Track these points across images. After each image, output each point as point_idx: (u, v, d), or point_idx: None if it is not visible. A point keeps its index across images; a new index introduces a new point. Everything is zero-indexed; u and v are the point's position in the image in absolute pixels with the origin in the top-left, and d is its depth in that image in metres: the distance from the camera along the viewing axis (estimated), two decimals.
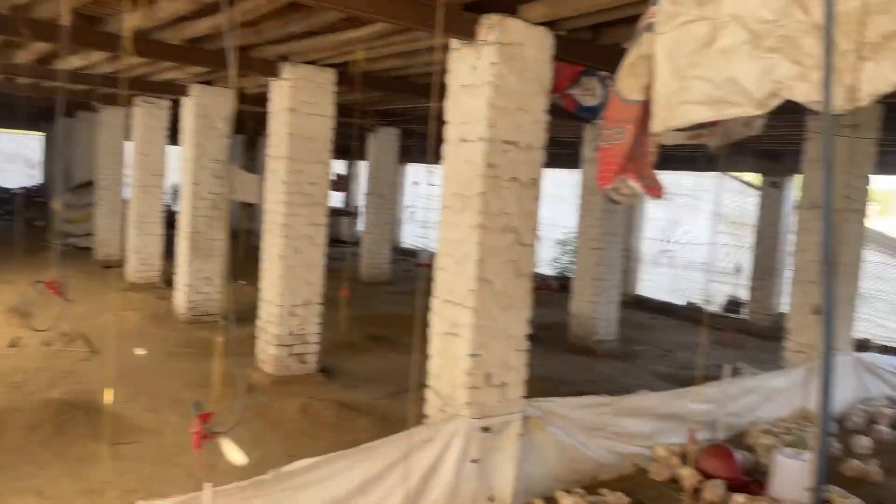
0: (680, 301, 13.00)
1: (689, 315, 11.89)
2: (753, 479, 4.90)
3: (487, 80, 4.10)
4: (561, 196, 15.56)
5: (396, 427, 4.15)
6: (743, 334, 11.10)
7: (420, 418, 4.50)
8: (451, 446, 4.04)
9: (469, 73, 4.25)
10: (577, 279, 9.52)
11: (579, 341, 9.23)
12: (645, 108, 3.57)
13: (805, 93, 2.83)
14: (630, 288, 13.90)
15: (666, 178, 12.59)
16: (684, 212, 14.10)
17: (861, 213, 6.96)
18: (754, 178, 13.30)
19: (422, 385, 4.60)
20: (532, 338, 8.70)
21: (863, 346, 9.50)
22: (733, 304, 12.59)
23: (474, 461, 4.12)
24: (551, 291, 13.81)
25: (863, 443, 5.89)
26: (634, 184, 3.55)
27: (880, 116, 6.73)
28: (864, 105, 2.70)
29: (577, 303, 9.43)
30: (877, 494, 5.03)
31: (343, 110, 7.60)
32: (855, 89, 2.63)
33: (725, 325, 9.77)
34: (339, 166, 20.44)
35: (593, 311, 9.18)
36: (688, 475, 4.61)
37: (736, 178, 13.85)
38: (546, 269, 15.96)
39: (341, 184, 19.20)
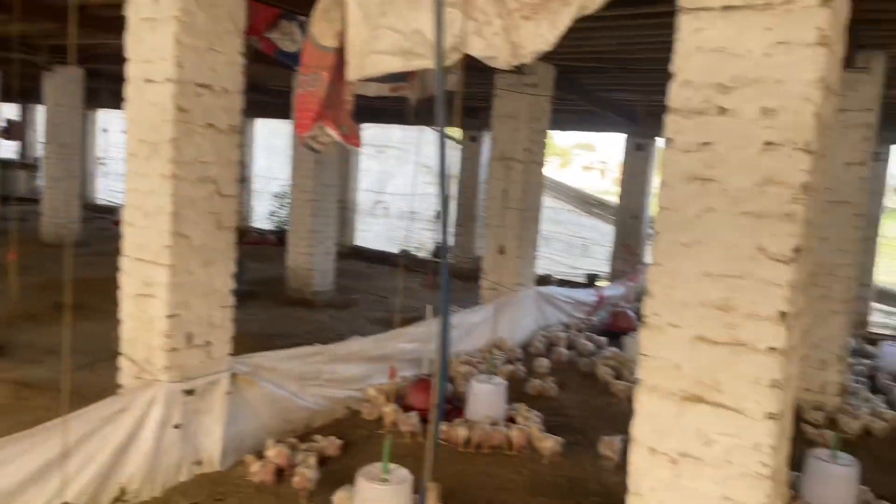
0: (394, 249, 13.60)
1: (405, 262, 12.51)
2: (454, 407, 5.36)
3: (172, 14, 3.74)
4: (275, 147, 15.16)
5: (86, 402, 3.73)
6: (449, 277, 12.00)
7: (115, 389, 4.11)
8: (150, 414, 3.75)
9: (150, 6, 3.83)
10: (292, 231, 9.41)
11: (296, 294, 9.20)
12: (340, 55, 3.56)
13: (481, 48, 3.05)
14: (348, 239, 14.18)
15: (375, 130, 12.84)
16: (395, 164, 14.70)
17: (540, 164, 7.85)
18: (455, 131, 14.30)
19: (116, 353, 4.19)
20: (247, 293, 8.38)
21: (544, 280, 10.90)
22: (441, 250, 13.54)
23: (177, 426, 3.89)
24: (270, 245, 13.53)
25: (543, 364, 6.77)
26: (332, 132, 3.55)
27: (554, 77, 7.60)
28: (527, 61, 2.98)
29: (293, 255, 9.35)
30: (553, 406, 5.85)
31: (5, 43, 6.43)
32: (519, 46, 2.89)
33: (430, 269, 10.45)
34: (9, 111, 17.45)
35: (310, 263, 9.18)
36: (389, 411, 4.87)
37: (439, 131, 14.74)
38: (264, 224, 15.56)
39: (14, 131, 16.43)
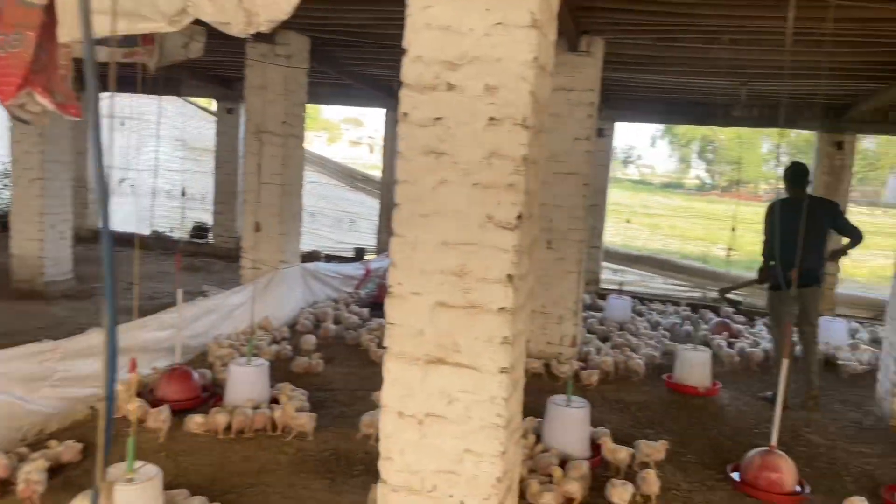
0: (146, 231, 12.57)
1: (157, 244, 11.63)
2: (213, 394, 5.12)
3: None
4: None
5: None
6: (210, 258, 11.43)
7: None
8: None
9: None
10: (16, 215, 8.24)
11: (25, 285, 8.10)
12: (50, 13, 3.15)
13: (211, 13, 2.87)
14: (89, 221, 12.81)
15: (119, 101, 11.56)
16: (140, 137, 13.47)
17: (299, 137, 7.70)
18: (210, 103, 13.51)
19: None
20: None
21: (311, 256, 10.81)
22: (200, 230, 12.78)
23: None
24: None
25: (309, 341, 6.72)
26: (43, 100, 3.13)
27: (308, 49, 7.45)
28: (264, 30, 2.87)
29: (18, 242, 8.20)
30: (320, 382, 5.85)
31: None
32: (253, 14, 2.77)
33: (180, 251, 9.83)
34: None
35: (40, 250, 8.13)
36: (134, 407, 4.49)
37: (192, 102, 13.82)
38: None
39: None
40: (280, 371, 5.88)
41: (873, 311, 9.96)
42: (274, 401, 5.01)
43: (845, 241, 5.99)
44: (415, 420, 2.64)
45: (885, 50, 5.98)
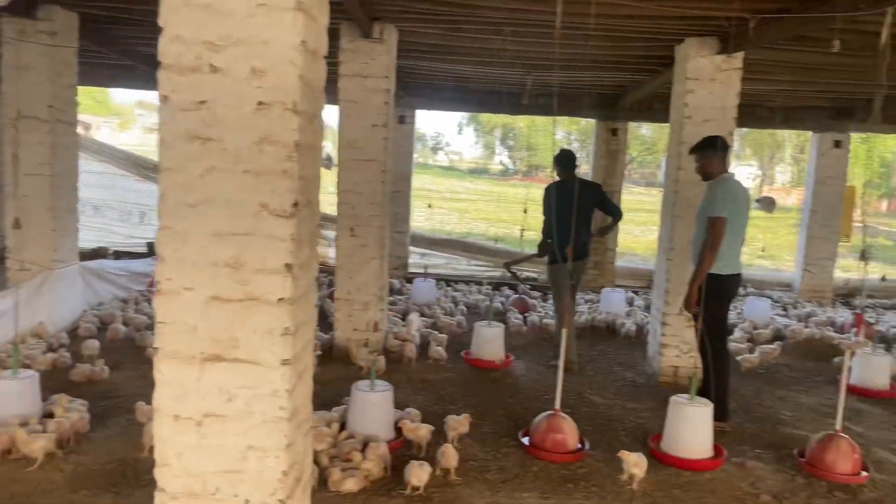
0: None
1: None
2: None
3: None
4: None
5: None
6: None
7: None
8: None
9: None
10: None
11: None
12: None
13: None
14: None
15: None
16: None
17: (71, 123, 6.97)
18: None
19: None
20: None
21: (98, 254, 9.91)
22: None
23: None
24: None
25: (92, 346, 6.14)
26: None
27: (77, 26, 6.75)
28: (1, 2, 2.54)
29: None
30: (105, 389, 5.39)
31: None
32: None
33: None
34: None
35: None
36: None
37: None
38: None
39: None
40: (59, 381, 5.36)
41: (648, 281, 11.14)
42: (49, 415, 4.54)
43: (609, 219, 6.77)
44: (192, 422, 2.50)
45: (645, 44, 6.66)
